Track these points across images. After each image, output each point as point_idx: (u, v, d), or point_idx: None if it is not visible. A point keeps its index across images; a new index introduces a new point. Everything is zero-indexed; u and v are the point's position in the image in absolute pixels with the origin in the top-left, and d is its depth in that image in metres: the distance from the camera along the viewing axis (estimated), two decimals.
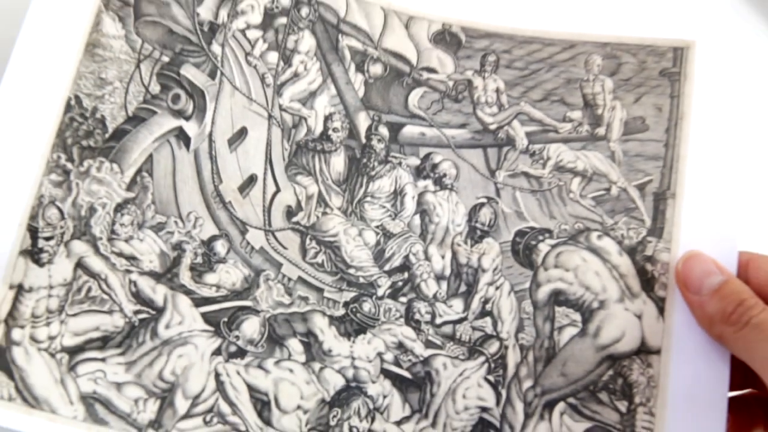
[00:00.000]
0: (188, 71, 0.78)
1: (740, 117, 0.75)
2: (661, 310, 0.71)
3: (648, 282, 0.73)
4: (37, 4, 0.74)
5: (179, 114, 0.78)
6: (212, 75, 0.79)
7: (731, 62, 0.76)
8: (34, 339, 0.71)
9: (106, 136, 0.75)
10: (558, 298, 0.75)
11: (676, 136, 0.76)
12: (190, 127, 0.78)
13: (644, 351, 0.71)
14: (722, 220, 0.72)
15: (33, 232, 0.72)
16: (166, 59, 0.78)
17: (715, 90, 0.76)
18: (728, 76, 0.76)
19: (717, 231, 0.72)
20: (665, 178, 0.75)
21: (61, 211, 0.73)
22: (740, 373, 0.67)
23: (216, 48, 0.80)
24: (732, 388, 0.70)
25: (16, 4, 0.76)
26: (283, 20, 0.82)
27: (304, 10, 0.82)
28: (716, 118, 0.75)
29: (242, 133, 0.79)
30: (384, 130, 0.81)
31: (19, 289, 0.71)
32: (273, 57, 0.81)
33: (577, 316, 0.74)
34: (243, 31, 0.81)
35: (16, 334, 0.70)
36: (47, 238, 0.72)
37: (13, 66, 0.73)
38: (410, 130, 0.82)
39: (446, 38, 0.82)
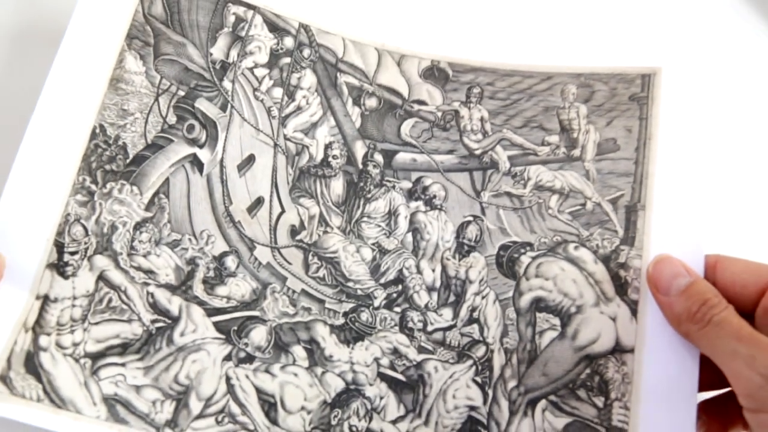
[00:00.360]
0: (202, 104, 0.83)
1: (703, 134, 0.78)
2: (634, 312, 0.75)
3: (621, 287, 0.76)
4: (67, 43, 0.78)
5: (193, 142, 0.82)
6: (223, 108, 0.83)
7: (694, 85, 0.80)
8: (59, 345, 0.73)
9: (127, 161, 0.79)
10: (539, 304, 0.78)
11: (645, 154, 0.79)
12: (204, 154, 0.82)
13: (619, 350, 0.74)
14: (689, 227, 0.75)
15: (59, 247, 0.75)
16: (182, 93, 0.82)
17: (680, 111, 0.80)
18: (692, 98, 0.80)
19: (684, 237, 0.75)
20: (635, 192, 0.79)
21: (85, 228, 0.76)
22: (716, 373, 0.68)
23: (227, 84, 0.84)
24: (709, 388, 0.73)
25: (48, 42, 0.80)
26: (287, 60, 0.87)
27: (306, 51, 0.87)
28: (681, 136, 0.79)
29: (250, 159, 0.83)
30: (379, 157, 0.86)
31: (45, 300, 0.74)
32: (278, 92, 0.86)
33: (557, 321, 0.77)
34: (251, 69, 0.85)
35: (43, 340, 0.73)
36: (72, 253, 0.75)
37: (44, 98, 0.76)
38: (403, 157, 0.86)
39: (435, 73, 0.87)
